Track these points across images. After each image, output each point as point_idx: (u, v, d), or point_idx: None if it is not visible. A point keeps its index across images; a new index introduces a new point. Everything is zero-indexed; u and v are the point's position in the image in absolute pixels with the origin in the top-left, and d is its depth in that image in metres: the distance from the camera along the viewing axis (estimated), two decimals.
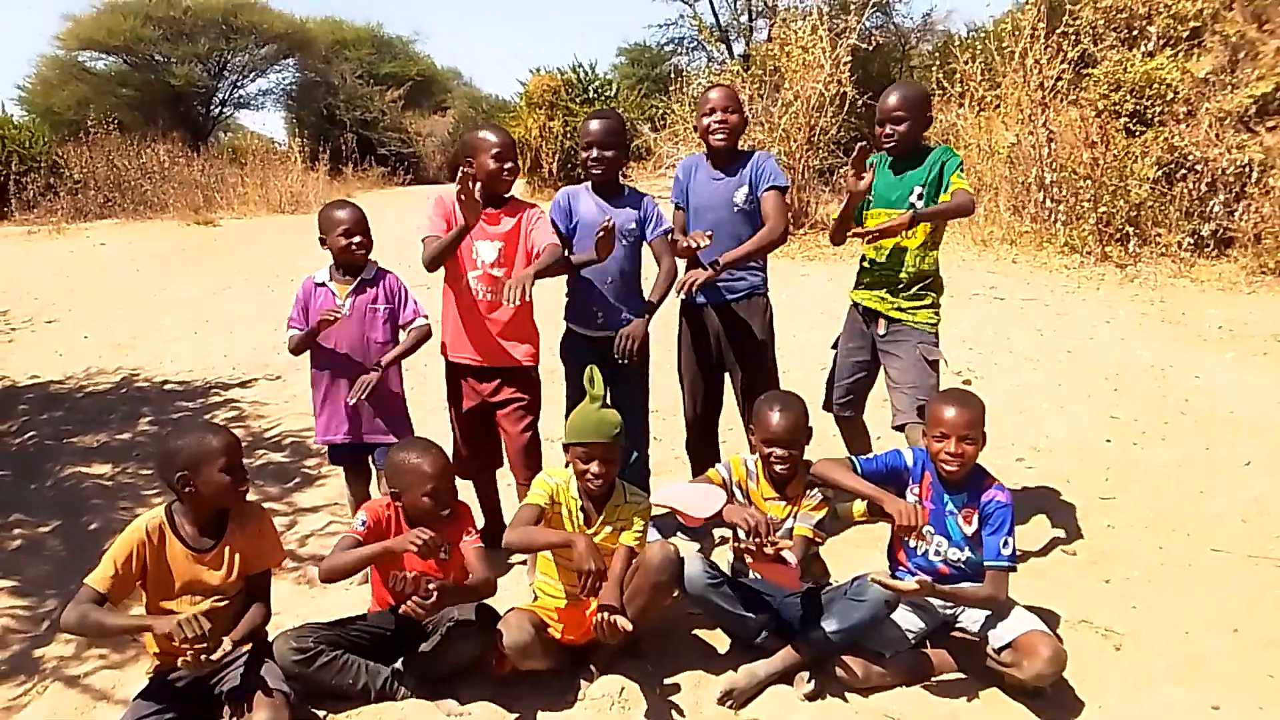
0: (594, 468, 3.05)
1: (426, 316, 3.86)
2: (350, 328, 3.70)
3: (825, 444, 4.48)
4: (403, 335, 3.85)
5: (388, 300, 3.79)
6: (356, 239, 3.70)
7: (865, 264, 4.02)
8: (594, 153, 3.78)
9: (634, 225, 3.84)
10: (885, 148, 3.88)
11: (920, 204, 3.78)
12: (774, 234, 3.87)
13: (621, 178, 3.94)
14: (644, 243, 3.91)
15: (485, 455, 3.98)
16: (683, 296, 3.89)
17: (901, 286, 3.88)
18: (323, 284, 3.77)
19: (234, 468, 2.81)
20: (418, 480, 3.00)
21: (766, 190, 3.89)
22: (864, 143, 3.66)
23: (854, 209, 3.87)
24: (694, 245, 3.70)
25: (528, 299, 3.36)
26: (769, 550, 2.91)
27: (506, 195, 3.73)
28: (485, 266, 3.66)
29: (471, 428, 3.89)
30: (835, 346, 4.26)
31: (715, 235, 3.82)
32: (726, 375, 4.17)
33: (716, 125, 3.89)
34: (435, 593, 2.82)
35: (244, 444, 5.32)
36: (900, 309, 3.89)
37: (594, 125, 3.79)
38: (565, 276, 3.86)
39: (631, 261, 3.89)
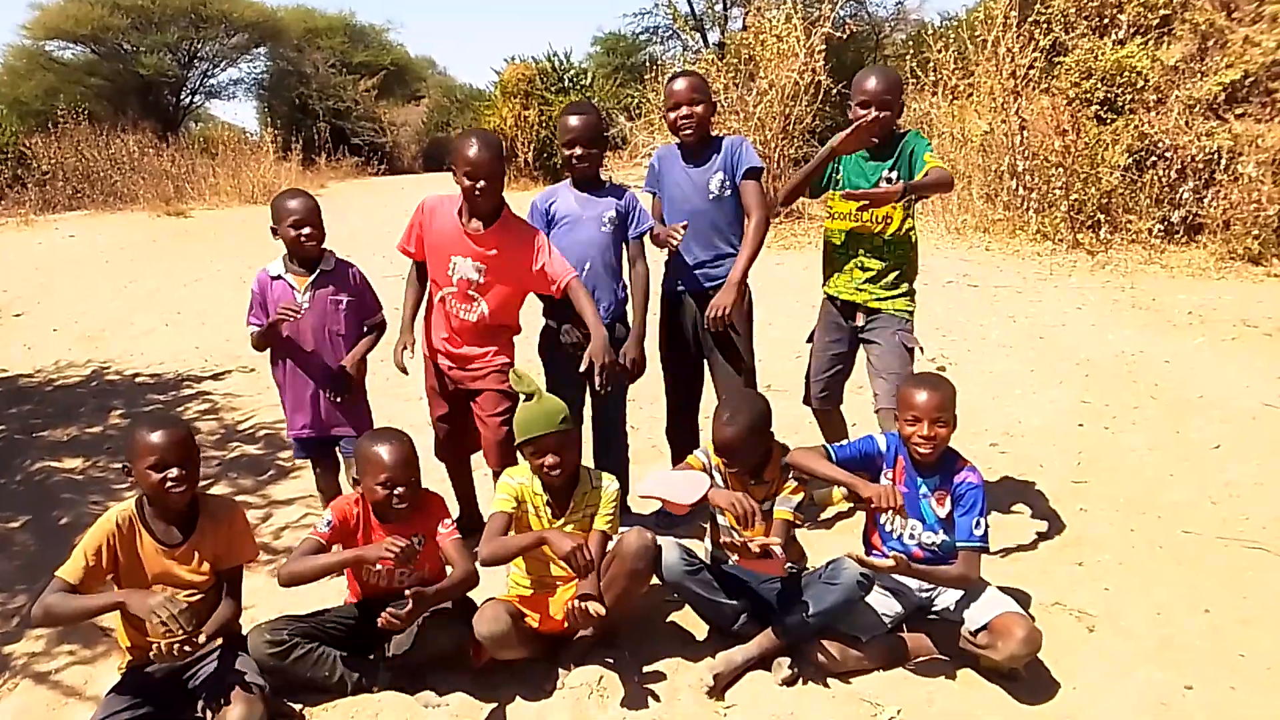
0: (549, 460, 3.03)
1: (382, 310, 3.83)
2: (311, 321, 3.65)
3: (803, 432, 4.50)
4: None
5: (350, 293, 3.73)
6: (306, 230, 3.60)
7: (835, 255, 3.99)
8: (576, 150, 3.73)
9: (614, 214, 3.80)
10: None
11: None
12: (762, 227, 3.85)
13: (601, 170, 3.91)
14: (623, 239, 3.88)
15: (461, 438, 3.92)
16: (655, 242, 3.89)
17: (876, 276, 3.87)
18: (279, 277, 3.69)
19: (164, 465, 2.67)
20: (385, 471, 2.95)
21: (744, 179, 3.86)
22: (882, 114, 3.65)
23: (821, 172, 3.88)
24: (673, 240, 3.72)
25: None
26: (754, 549, 2.90)
27: (496, 210, 3.52)
28: (461, 285, 3.56)
29: (448, 413, 3.84)
30: (810, 340, 4.24)
31: (693, 224, 3.82)
32: (706, 362, 4.14)
33: (683, 120, 3.84)
34: (410, 600, 2.75)
35: (217, 436, 5.38)
36: (878, 298, 3.89)
37: (574, 121, 3.73)
38: None
39: (610, 251, 3.85)
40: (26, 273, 10.79)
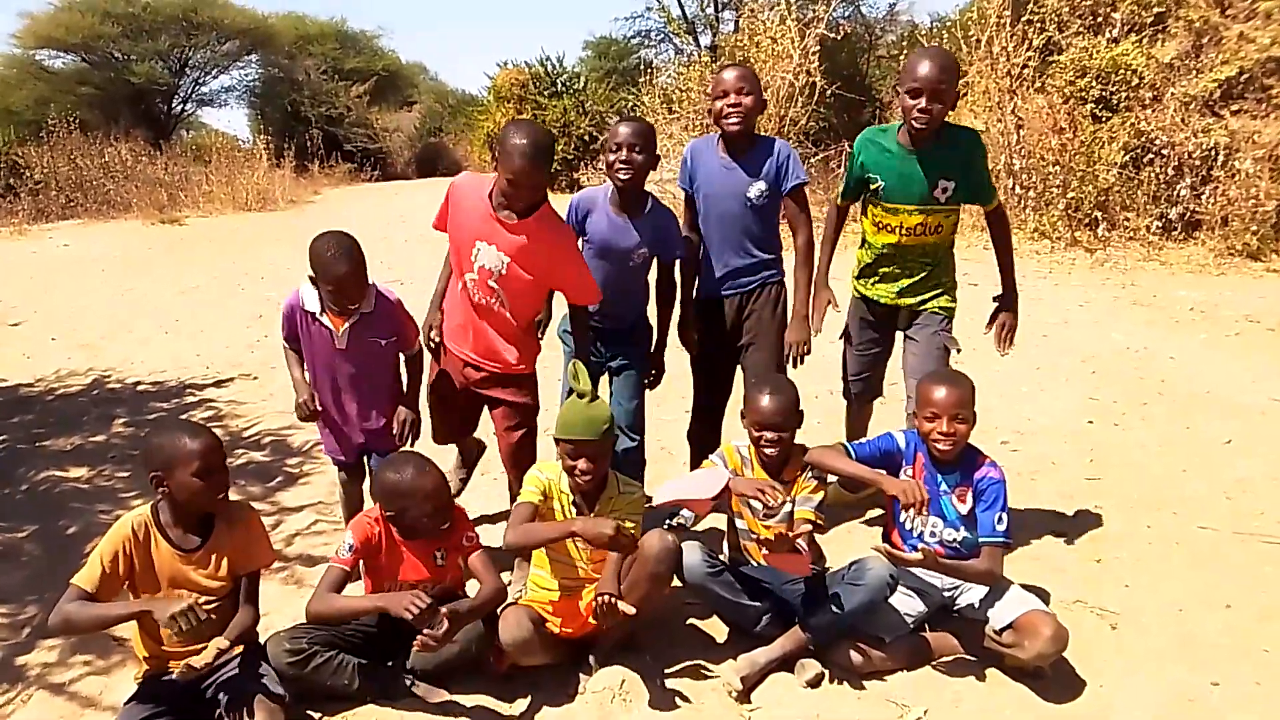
0: (581, 464, 3.01)
1: (418, 335, 3.68)
2: (350, 362, 3.47)
3: (812, 433, 4.48)
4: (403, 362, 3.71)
5: (391, 332, 3.52)
6: (350, 297, 3.35)
7: (877, 262, 3.85)
8: (622, 154, 3.53)
9: (645, 252, 3.70)
10: (915, 127, 3.46)
11: (944, 200, 3.60)
12: (811, 248, 3.80)
13: (592, 170, 3.86)
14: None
15: (457, 427, 3.89)
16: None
17: (919, 283, 3.78)
18: (314, 315, 3.42)
19: (209, 471, 2.69)
20: (414, 500, 2.91)
21: (792, 193, 3.75)
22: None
23: (841, 218, 3.93)
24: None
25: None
26: (790, 534, 2.88)
27: (538, 201, 3.36)
28: (482, 274, 3.40)
29: (448, 402, 3.71)
30: (843, 337, 4.13)
31: (725, 230, 3.74)
32: (739, 364, 4.03)
33: (729, 109, 3.63)
34: (446, 620, 2.71)
35: (223, 443, 5.31)
36: (921, 300, 3.80)
37: (624, 128, 3.57)
38: None
39: (632, 281, 3.75)
40: (22, 282, 10.70)
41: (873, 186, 3.70)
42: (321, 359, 3.49)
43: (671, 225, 3.77)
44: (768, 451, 3.19)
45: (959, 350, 3.88)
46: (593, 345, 3.68)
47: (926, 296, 3.80)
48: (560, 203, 3.51)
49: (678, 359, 4.06)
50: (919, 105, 3.38)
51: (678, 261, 3.88)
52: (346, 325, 3.42)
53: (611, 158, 3.60)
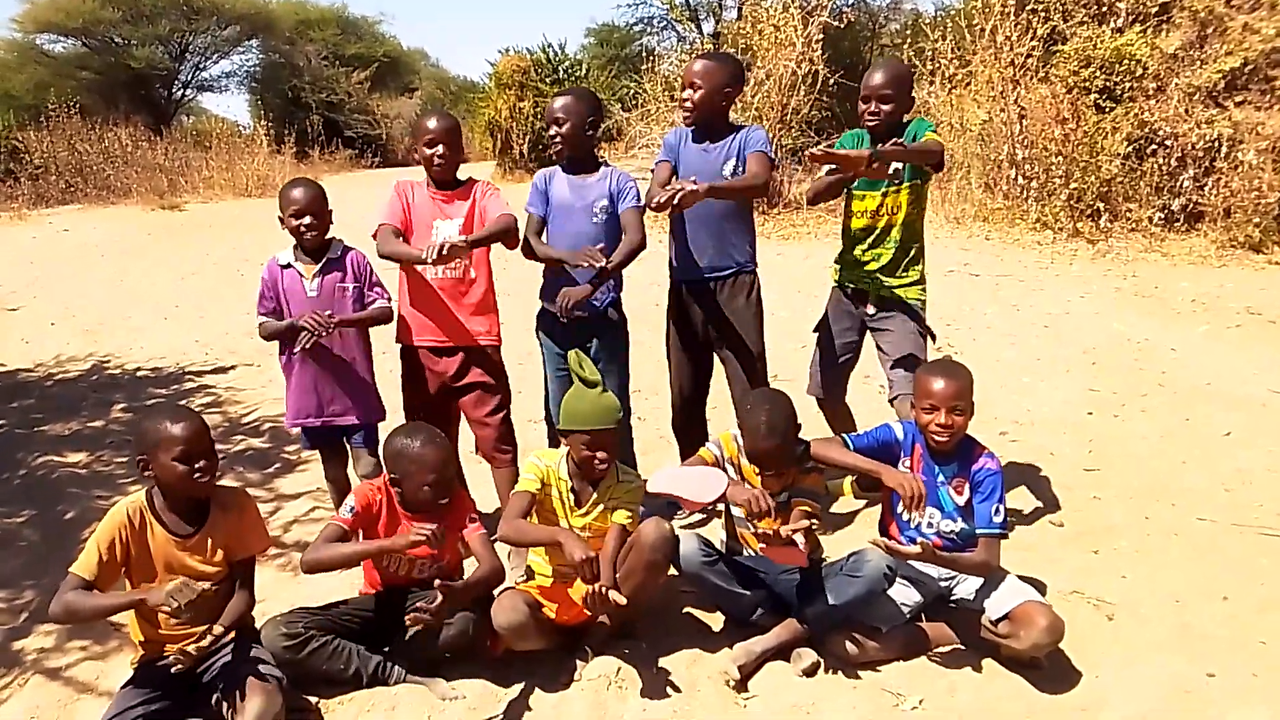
0: (600, 454, 3.03)
1: (390, 299, 3.72)
2: (322, 307, 3.54)
3: (809, 422, 4.46)
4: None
5: (355, 279, 3.65)
6: (306, 220, 3.52)
7: (848, 243, 3.95)
8: (551, 130, 3.73)
9: (605, 202, 3.74)
10: (868, 126, 3.77)
11: (899, 181, 3.74)
12: (757, 180, 3.73)
13: (597, 153, 3.87)
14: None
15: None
16: (654, 206, 3.58)
17: (888, 265, 3.84)
18: (288, 265, 3.61)
19: (191, 457, 2.66)
20: (421, 469, 2.94)
21: (752, 154, 3.77)
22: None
23: (839, 188, 3.85)
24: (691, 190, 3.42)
25: (461, 261, 3.46)
26: (785, 533, 2.88)
27: (461, 178, 3.69)
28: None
29: (426, 413, 3.69)
30: (817, 330, 4.19)
31: (703, 214, 3.74)
32: (715, 354, 4.07)
33: (686, 110, 3.82)
34: (439, 594, 2.73)
35: (221, 430, 5.34)
36: (889, 286, 3.86)
37: (555, 103, 3.73)
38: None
39: (605, 240, 3.75)
40: (21, 267, 10.71)
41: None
42: (297, 309, 3.55)
43: (626, 179, 3.81)
44: (769, 473, 3.18)
45: (934, 337, 3.95)
46: (570, 332, 3.68)
47: (895, 283, 3.86)
48: None
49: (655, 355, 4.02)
50: (869, 109, 3.74)
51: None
52: (316, 269, 3.58)
53: (547, 135, 3.81)
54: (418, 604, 2.73)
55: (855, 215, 3.89)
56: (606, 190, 3.73)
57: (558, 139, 3.72)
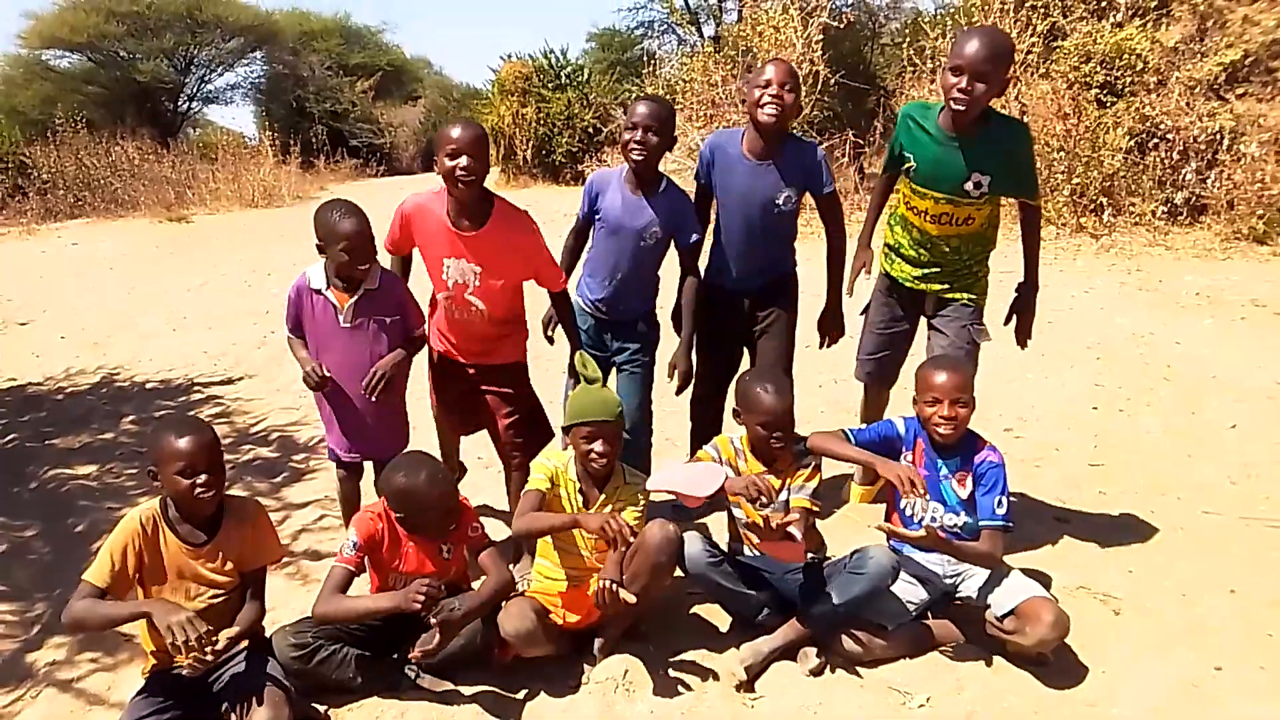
0: (598, 447, 3.04)
1: (423, 322, 3.62)
2: (355, 343, 3.42)
3: (815, 423, 4.48)
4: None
5: (395, 310, 3.48)
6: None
7: (904, 237, 3.73)
8: (637, 134, 3.49)
9: (657, 230, 3.63)
10: (952, 106, 3.27)
11: (976, 195, 3.43)
12: (841, 254, 3.80)
13: (597, 163, 3.84)
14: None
15: (467, 424, 3.86)
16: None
17: (948, 270, 3.67)
18: (319, 291, 3.41)
19: (194, 471, 2.65)
20: (424, 508, 2.92)
21: (825, 200, 3.72)
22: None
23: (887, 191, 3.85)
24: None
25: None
26: (774, 523, 2.89)
27: (488, 200, 3.33)
28: (457, 288, 3.41)
29: (454, 405, 3.73)
30: (864, 313, 4.02)
31: (747, 230, 3.69)
32: (747, 348, 4.00)
33: (770, 99, 3.48)
34: (438, 631, 2.76)
35: (229, 440, 5.35)
36: (948, 289, 3.69)
37: (642, 108, 3.52)
38: (581, 248, 3.86)
39: (645, 263, 3.70)
40: (31, 281, 10.75)
41: (906, 165, 3.60)
42: (325, 339, 3.44)
43: (687, 207, 3.70)
44: (775, 447, 3.17)
45: (990, 340, 3.75)
46: (598, 337, 3.68)
47: (951, 286, 3.68)
48: (563, 196, 3.51)
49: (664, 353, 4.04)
50: (959, 85, 3.20)
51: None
52: (351, 301, 3.39)
53: (627, 137, 3.56)
54: (420, 643, 2.77)
55: (913, 211, 3.65)
56: (664, 218, 3.63)
57: (642, 148, 3.50)
